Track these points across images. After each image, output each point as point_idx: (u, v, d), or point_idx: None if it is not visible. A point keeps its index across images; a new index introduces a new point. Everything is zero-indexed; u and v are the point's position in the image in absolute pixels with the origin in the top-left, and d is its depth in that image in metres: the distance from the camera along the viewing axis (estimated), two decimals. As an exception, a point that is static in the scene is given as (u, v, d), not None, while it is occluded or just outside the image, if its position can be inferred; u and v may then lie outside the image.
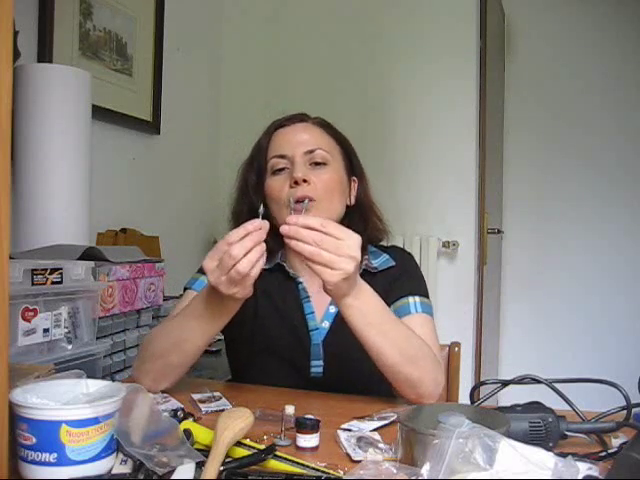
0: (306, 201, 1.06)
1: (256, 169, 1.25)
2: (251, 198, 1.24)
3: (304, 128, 1.25)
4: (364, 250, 1.28)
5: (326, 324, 1.23)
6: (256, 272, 0.93)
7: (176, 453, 0.70)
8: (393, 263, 1.29)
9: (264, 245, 0.93)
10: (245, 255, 0.90)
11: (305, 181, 1.17)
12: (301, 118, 1.27)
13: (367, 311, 1.02)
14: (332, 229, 0.93)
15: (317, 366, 1.21)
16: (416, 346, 1.07)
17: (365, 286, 1.03)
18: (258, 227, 0.92)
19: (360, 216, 1.28)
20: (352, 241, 0.94)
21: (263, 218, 0.96)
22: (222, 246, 0.92)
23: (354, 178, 1.30)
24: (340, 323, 1.22)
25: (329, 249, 0.92)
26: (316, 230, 0.92)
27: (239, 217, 1.26)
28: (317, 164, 1.20)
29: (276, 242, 1.17)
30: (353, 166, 1.30)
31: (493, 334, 3.16)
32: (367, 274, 1.26)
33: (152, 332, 1.16)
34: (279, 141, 1.23)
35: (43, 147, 1.59)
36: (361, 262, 1.25)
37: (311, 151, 1.20)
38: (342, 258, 0.92)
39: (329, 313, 1.24)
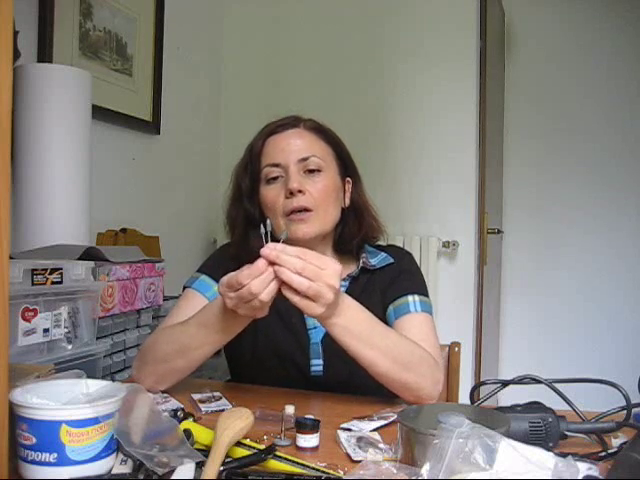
0: (285, 233, 1.01)
1: (250, 175, 1.24)
2: (246, 205, 1.24)
3: (297, 134, 1.22)
4: (360, 250, 1.29)
5: None
6: (274, 295, 0.93)
7: (176, 453, 0.70)
8: (392, 260, 1.29)
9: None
10: (266, 287, 0.90)
11: (300, 191, 1.16)
12: (293, 123, 1.24)
13: (352, 327, 1.01)
14: (312, 258, 0.92)
15: (317, 365, 1.22)
16: (409, 352, 1.06)
17: (348, 302, 1.01)
18: (267, 263, 0.91)
19: (355, 217, 1.28)
20: (331, 270, 0.92)
21: (266, 232, 0.95)
22: (234, 284, 0.91)
23: (348, 179, 1.29)
24: None
25: (310, 277, 0.90)
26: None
27: (235, 223, 1.26)
28: (311, 171, 1.19)
29: None
30: (347, 167, 1.29)
31: (493, 334, 3.16)
32: (366, 272, 1.26)
33: (155, 334, 1.16)
34: (272, 149, 1.22)
35: (43, 147, 1.59)
36: (359, 260, 1.26)
37: (305, 159, 1.19)
38: (323, 288, 0.91)
39: None
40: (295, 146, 1.20)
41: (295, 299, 0.92)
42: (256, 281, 0.90)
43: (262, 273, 0.90)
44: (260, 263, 0.91)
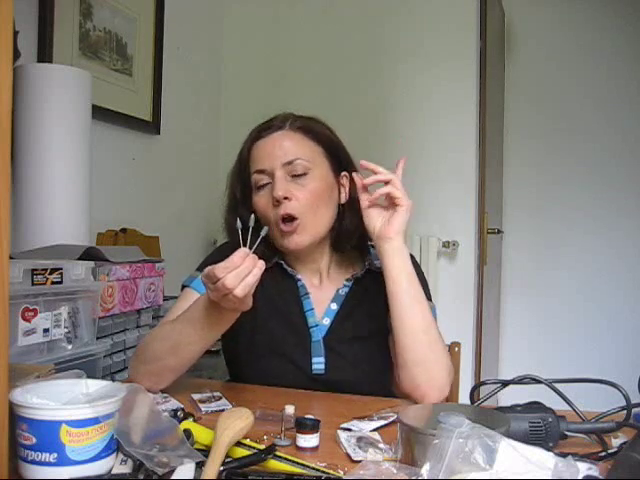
0: (265, 228, 1.01)
1: (241, 181, 1.23)
2: (241, 212, 1.22)
3: (282, 137, 1.19)
4: (365, 248, 1.28)
5: (327, 321, 1.23)
6: (252, 290, 0.93)
7: (176, 453, 0.70)
8: None
9: (261, 266, 0.93)
10: (241, 281, 0.90)
11: (286, 198, 1.15)
12: (279, 125, 1.21)
13: (407, 266, 1.12)
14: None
15: (319, 363, 1.21)
16: (436, 327, 1.13)
17: (407, 253, 1.14)
18: (244, 257, 0.91)
19: (353, 212, 1.23)
20: None
21: (255, 229, 0.96)
22: (212, 277, 0.91)
23: (345, 174, 1.25)
24: (341, 320, 1.22)
25: None
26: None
27: (231, 229, 1.24)
28: (298, 174, 1.17)
29: (270, 251, 1.20)
30: (342, 162, 1.25)
31: (493, 334, 3.16)
32: (370, 273, 1.25)
33: (149, 334, 1.16)
34: (258, 154, 1.20)
35: (43, 147, 1.58)
36: (364, 262, 1.26)
37: (290, 162, 1.17)
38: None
39: (330, 310, 1.24)
40: (280, 150, 1.18)
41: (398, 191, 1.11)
42: (230, 275, 0.89)
43: (237, 267, 0.90)
44: (235, 257, 0.90)
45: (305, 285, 1.25)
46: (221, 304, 0.95)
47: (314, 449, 0.84)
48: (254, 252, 0.93)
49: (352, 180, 1.25)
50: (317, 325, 1.22)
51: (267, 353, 1.22)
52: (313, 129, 1.23)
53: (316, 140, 1.22)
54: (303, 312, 1.23)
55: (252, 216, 0.99)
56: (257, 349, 1.23)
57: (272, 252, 1.22)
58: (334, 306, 1.24)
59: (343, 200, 1.25)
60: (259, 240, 0.95)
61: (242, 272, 0.90)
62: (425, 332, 1.10)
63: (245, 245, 0.93)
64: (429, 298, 1.23)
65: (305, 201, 1.16)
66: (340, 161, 1.25)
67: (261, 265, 0.93)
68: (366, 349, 1.22)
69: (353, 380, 1.18)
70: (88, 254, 1.46)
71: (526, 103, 3.27)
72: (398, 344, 1.12)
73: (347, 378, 1.19)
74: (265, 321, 1.22)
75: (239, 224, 0.96)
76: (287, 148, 1.18)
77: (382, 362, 1.23)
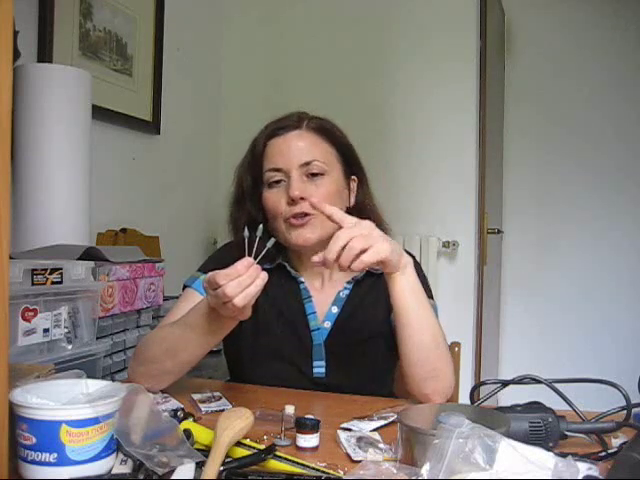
0: (271, 240, 0.99)
1: (252, 176, 1.23)
2: (248, 207, 1.22)
3: (299, 137, 1.19)
4: None
5: (328, 324, 1.23)
6: (253, 301, 0.92)
7: (176, 453, 0.70)
8: None
9: (264, 277, 0.92)
10: (242, 291, 0.89)
11: (302, 198, 1.15)
12: (295, 124, 1.21)
13: (414, 287, 1.06)
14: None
15: (319, 367, 1.21)
16: (443, 336, 1.10)
17: (411, 267, 1.07)
18: (247, 267, 0.90)
19: (360, 217, 1.24)
20: (366, 223, 1.01)
21: (261, 239, 0.95)
22: (213, 284, 0.91)
23: (354, 177, 1.26)
24: (342, 323, 1.22)
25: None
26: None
27: (237, 226, 1.24)
28: (314, 175, 1.17)
29: (275, 252, 1.18)
30: (352, 166, 1.26)
31: (493, 334, 3.16)
32: (370, 276, 1.25)
33: (148, 336, 1.16)
34: (273, 152, 1.19)
35: (43, 147, 1.58)
36: None
37: (307, 163, 1.17)
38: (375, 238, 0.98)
39: (331, 313, 1.23)
40: (297, 150, 1.18)
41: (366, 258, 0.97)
42: (232, 283, 0.89)
43: (240, 276, 0.89)
44: (239, 266, 0.90)
45: (307, 288, 1.25)
46: (220, 311, 0.95)
47: (314, 449, 0.84)
48: (258, 263, 0.92)
49: (359, 184, 1.27)
50: (318, 328, 1.22)
51: (269, 356, 1.22)
52: (329, 131, 1.23)
53: (331, 142, 1.23)
54: (305, 315, 1.23)
55: (260, 226, 0.99)
56: (259, 352, 1.23)
57: (276, 253, 1.21)
58: (335, 309, 1.24)
59: (350, 204, 1.25)
60: (265, 251, 0.95)
61: (244, 281, 0.89)
62: (436, 348, 1.07)
63: (250, 255, 0.92)
64: (430, 296, 1.22)
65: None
66: (351, 164, 1.26)
67: (264, 276, 0.92)
68: (366, 352, 1.22)
69: (354, 384, 1.18)
70: (88, 254, 1.46)
71: (526, 103, 3.27)
72: (407, 360, 1.08)
73: (348, 382, 1.18)
74: (267, 324, 1.22)
75: (246, 233, 0.96)
76: (304, 149, 1.18)
77: (382, 364, 1.23)
